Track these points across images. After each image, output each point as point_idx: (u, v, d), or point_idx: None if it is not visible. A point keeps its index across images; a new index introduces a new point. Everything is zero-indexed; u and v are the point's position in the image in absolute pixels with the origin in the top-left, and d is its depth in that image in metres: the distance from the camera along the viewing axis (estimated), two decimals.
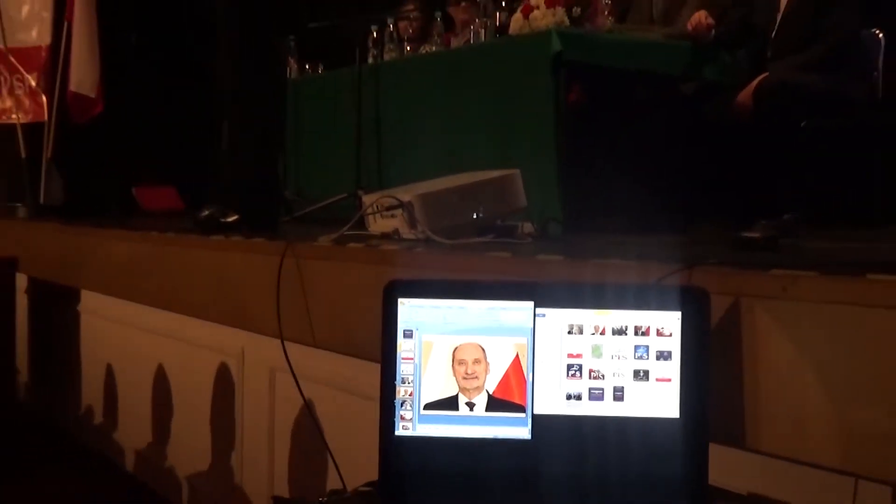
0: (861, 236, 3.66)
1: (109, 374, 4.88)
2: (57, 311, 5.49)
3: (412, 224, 2.81)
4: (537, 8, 4.20)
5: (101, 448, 4.95)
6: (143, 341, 4.44)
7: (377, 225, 3.01)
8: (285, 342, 2.73)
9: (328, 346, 2.74)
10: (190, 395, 4.09)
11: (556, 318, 1.65)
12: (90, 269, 4.57)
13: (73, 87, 6.94)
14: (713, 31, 4.38)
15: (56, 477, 4.66)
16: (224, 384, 3.79)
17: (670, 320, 1.61)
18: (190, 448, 4.08)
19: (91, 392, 5.11)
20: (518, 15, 4.31)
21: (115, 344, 4.81)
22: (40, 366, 5.87)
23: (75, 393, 5.30)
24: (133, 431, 4.61)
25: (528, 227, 2.96)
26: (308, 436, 3.23)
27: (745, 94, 4.11)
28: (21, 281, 5.55)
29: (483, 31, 4.60)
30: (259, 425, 3.57)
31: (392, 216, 2.93)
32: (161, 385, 4.31)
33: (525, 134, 4.07)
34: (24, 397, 5.87)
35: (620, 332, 1.63)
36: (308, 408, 3.08)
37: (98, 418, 5.02)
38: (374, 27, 5.18)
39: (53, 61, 7.33)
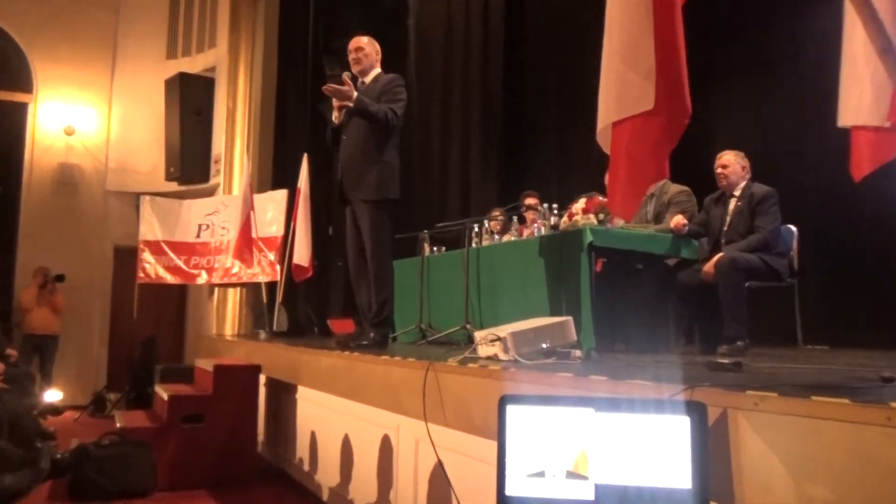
0: (789, 356, 3.55)
1: (314, 438, 4.85)
2: (283, 397, 5.51)
3: (506, 350, 2.81)
4: (577, 214, 4.23)
5: (307, 485, 4.88)
6: (336, 419, 4.41)
7: (484, 350, 3.00)
8: (427, 423, 2.72)
9: (455, 427, 2.70)
10: (364, 453, 4.02)
11: (610, 420, 1.61)
12: (304, 373, 4.62)
13: (295, 260, 7.16)
14: (686, 228, 4.35)
15: (278, 502, 4.63)
16: (386, 448, 3.73)
17: (682, 423, 1.56)
18: (364, 488, 4.00)
19: (302, 449, 5.06)
20: (566, 218, 4.34)
21: (318, 419, 4.79)
22: (272, 431, 5.88)
23: (292, 449, 5.26)
24: (328, 475, 4.54)
25: (577, 352, 2.91)
26: (440, 484, 3.14)
27: (709, 266, 4.03)
28: (262, 379, 5.61)
29: (543, 227, 4.64)
30: (408, 475, 3.48)
31: (493, 345, 2.92)
32: (346, 446, 4.26)
33: (570, 292, 4.01)
34: (261, 451, 5.87)
35: (651, 429, 1.58)
36: (440, 465, 3.02)
37: (306, 466, 4.97)
38: (475, 225, 5.26)
39: (284, 244, 7.60)
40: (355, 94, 4.10)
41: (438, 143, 8.17)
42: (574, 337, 2.98)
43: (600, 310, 3.94)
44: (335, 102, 4.22)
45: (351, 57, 4.37)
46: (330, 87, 4.10)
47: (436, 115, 8.25)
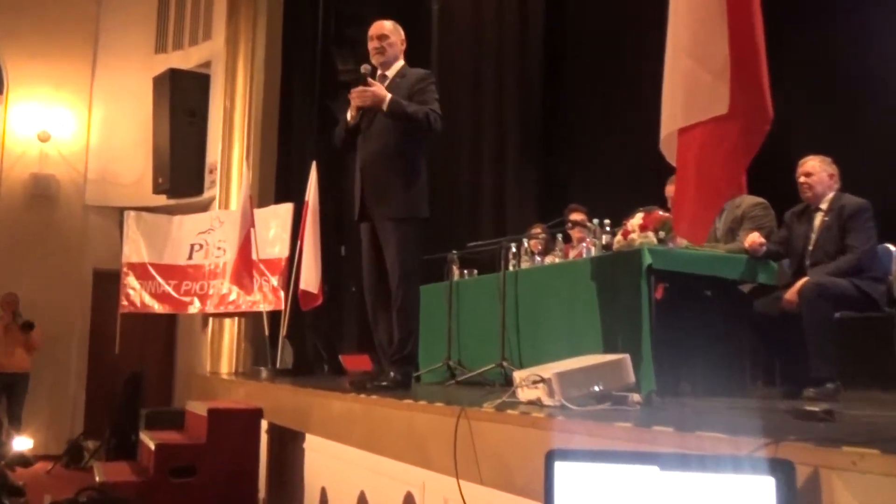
0: (889, 401, 3.51)
1: (324, 495, 4.84)
2: (289, 447, 5.52)
3: (551, 394, 2.80)
4: (634, 231, 4.22)
5: None
6: (350, 473, 4.40)
7: (524, 394, 3.00)
8: (458, 480, 2.71)
9: (491, 485, 2.68)
10: None
11: (677, 480, 1.59)
12: (313, 419, 4.63)
13: (302, 285, 7.20)
14: (763, 247, 4.31)
15: None
16: None
17: (766, 485, 1.54)
18: None
19: None
20: (619, 236, 4.33)
21: (329, 473, 4.79)
22: (275, 487, 5.88)
23: None
24: None
25: (636, 397, 2.89)
26: None
27: (792, 293, 4.00)
28: (264, 425, 5.63)
29: (593, 247, 4.62)
30: None
31: (536, 387, 2.92)
32: None
33: (626, 324, 3.98)
34: None
35: (727, 491, 1.56)
36: None
37: None
38: (513, 245, 5.26)
39: (289, 268, 7.65)
40: (388, 95, 4.03)
41: (468, 149, 8.19)
42: (631, 378, 2.97)
43: (662, 345, 3.91)
44: (355, 101, 4.14)
45: (372, 45, 4.25)
46: (360, 89, 4.03)
47: (464, 115, 8.25)
